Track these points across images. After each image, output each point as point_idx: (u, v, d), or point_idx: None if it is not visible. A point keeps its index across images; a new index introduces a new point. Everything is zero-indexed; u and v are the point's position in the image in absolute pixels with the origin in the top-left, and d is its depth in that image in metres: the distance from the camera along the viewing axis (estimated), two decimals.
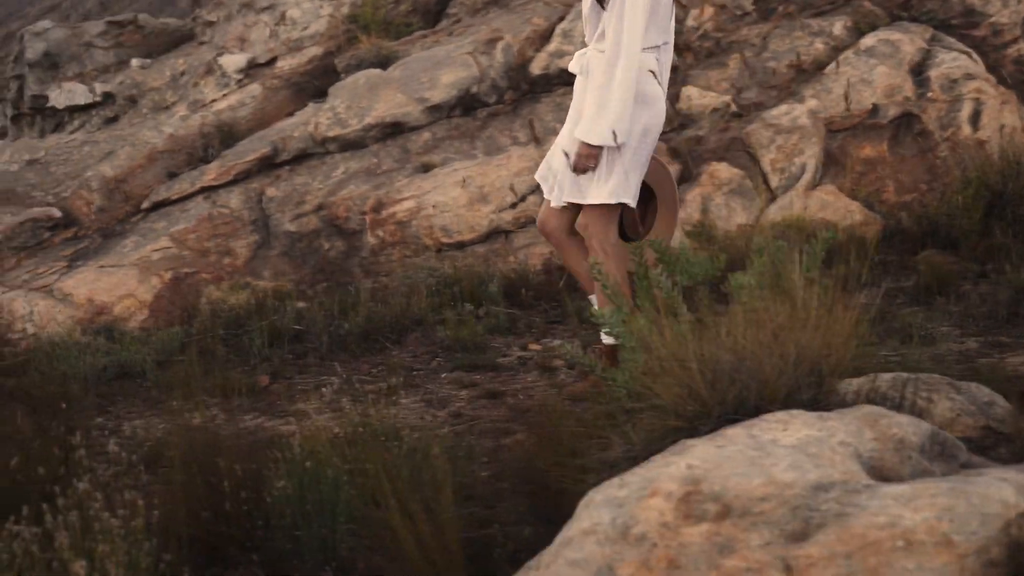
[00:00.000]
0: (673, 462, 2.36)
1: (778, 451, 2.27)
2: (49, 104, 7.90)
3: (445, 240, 6.47)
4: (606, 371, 3.40)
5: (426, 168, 6.75)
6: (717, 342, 2.75)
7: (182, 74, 7.72)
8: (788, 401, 2.59)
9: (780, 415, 2.43)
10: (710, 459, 2.29)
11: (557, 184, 4.22)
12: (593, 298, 4.26)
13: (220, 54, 7.71)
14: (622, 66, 3.95)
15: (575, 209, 4.21)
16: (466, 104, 7.12)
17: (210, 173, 7.03)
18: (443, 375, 4.96)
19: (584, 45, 4.28)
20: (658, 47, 4.10)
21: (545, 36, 7.28)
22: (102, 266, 6.47)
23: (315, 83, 7.80)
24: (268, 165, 7.10)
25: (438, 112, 7.07)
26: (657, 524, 2.19)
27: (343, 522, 2.89)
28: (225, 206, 6.84)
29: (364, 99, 7.06)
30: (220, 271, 6.62)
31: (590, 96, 4.06)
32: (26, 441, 3.08)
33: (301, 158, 7.12)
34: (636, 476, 2.36)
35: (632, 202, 4.10)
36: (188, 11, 11.75)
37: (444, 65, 7.12)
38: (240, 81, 7.62)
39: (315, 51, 7.91)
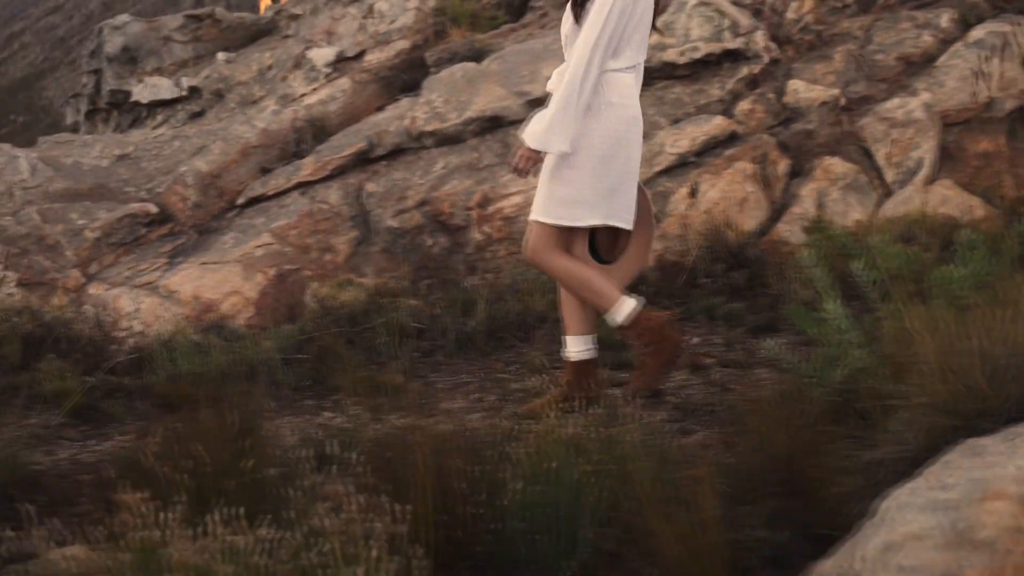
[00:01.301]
0: (997, 463, 2.23)
1: None
2: (132, 99, 7.77)
3: None
4: (817, 370, 3.27)
5: None
6: (990, 336, 2.62)
7: (269, 68, 7.60)
8: None
9: None
10: None
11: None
12: (570, 339, 4.11)
13: (308, 48, 7.59)
14: (569, 74, 3.86)
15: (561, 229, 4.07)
16: None
17: (306, 168, 6.90)
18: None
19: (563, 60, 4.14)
20: (634, 67, 4.04)
21: None
22: (204, 263, 6.35)
23: (403, 77, 7.68)
24: (363, 160, 6.98)
25: (536, 106, 6.93)
26: (1008, 528, 2.06)
27: (586, 525, 2.76)
28: (324, 202, 6.71)
29: (463, 93, 6.93)
30: (322, 268, 6.50)
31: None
32: (230, 440, 2.94)
33: (396, 153, 7.00)
34: (958, 478, 2.23)
35: (628, 225, 3.99)
36: (192, 9, 11.58)
37: (543, 59, 6.99)
38: (329, 75, 7.50)
39: (402, 44, 7.78)
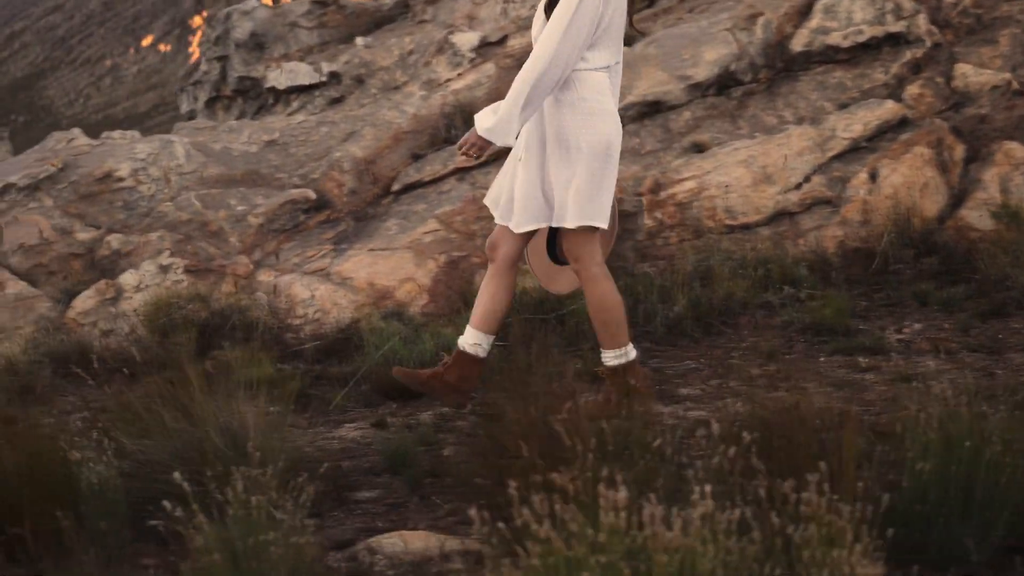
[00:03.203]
0: None
1: None
2: (267, 85, 7.64)
3: (729, 222, 6.20)
4: None
5: (697, 148, 6.49)
6: None
7: (410, 53, 7.46)
8: None
9: None
10: None
11: (524, 208, 4.07)
12: (474, 331, 4.17)
13: (451, 32, 7.45)
14: (524, 68, 3.86)
15: (528, 237, 4.14)
16: (721, 82, 6.85)
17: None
18: (820, 358, 4.69)
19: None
20: (609, 67, 4.02)
21: (802, 12, 7.01)
22: (372, 249, 6.22)
23: None
24: None
25: (696, 91, 6.81)
26: None
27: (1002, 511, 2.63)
28: (485, 188, 6.57)
29: (623, 77, 6.77)
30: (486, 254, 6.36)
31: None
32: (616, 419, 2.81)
33: None
34: None
35: (604, 224, 4.00)
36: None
37: (704, 42, 6.85)
38: (473, 60, 7.36)
39: None
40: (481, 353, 4.19)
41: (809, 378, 4.14)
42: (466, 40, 7.37)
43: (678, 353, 5.00)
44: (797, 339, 4.97)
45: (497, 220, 4.24)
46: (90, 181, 6.55)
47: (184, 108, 8.74)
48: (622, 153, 6.62)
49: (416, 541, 3.09)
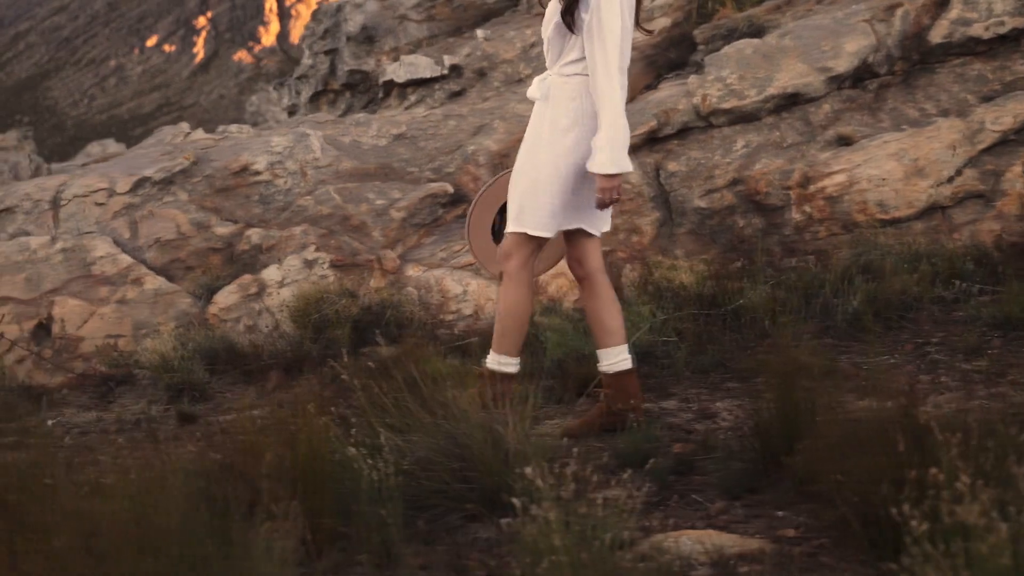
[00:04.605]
0: None
1: None
2: (385, 78, 7.55)
3: (880, 216, 6.10)
4: None
5: (842, 141, 6.38)
6: None
7: (532, 45, 7.36)
8: None
9: None
10: None
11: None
12: (609, 350, 4.07)
13: None
14: (606, 99, 3.73)
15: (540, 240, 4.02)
16: (857, 75, 6.75)
17: None
18: None
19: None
20: (622, 70, 3.90)
21: (940, 2, 6.90)
22: None
23: (667, 55, 7.44)
24: (652, 139, 6.74)
25: (834, 83, 6.70)
26: None
27: None
28: (625, 182, 6.48)
29: (759, 69, 6.69)
30: (630, 249, 6.28)
31: (562, 120, 3.83)
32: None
33: (684, 131, 6.76)
34: None
35: (541, 232, 3.92)
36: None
37: (843, 34, 6.75)
38: None
39: (664, 22, 7.55)
40: (627, 366, 4.08)
41: None
42: None
43: (864, 348, 4.89)
44: (990, 334, 4.86)
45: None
46: (226, 175, 6.47)
47: (285, 102, 8.65)
48: (763, 147, 6.55)
49: (710, 540, 3.00)
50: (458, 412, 3.41)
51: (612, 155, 3.73)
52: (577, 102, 3.82)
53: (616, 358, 4.05)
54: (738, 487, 3.36)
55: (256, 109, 36.26)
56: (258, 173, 6.45)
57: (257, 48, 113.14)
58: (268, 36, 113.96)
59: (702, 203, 6.35)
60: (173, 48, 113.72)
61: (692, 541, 3.00)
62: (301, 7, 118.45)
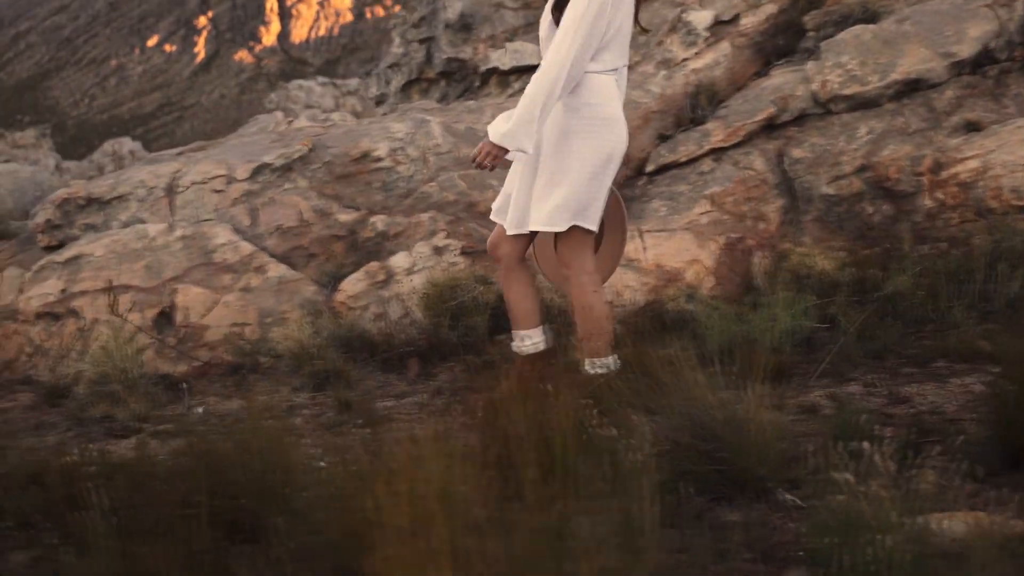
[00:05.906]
0: None
1: None
2: (489, 65, 7.46)
3: (1016, 203, 6.02)
4: None
5: (971, 127, 6.31)
6: None
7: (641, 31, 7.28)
8: None
9: None
10: None
11: (515, 210, 3.99)
12: (522, 333, 4.10)
13: (683, 11, 7.27)
14: (539, 72, 3.74)
15: (530, 236, 4.05)
16: (977, 60, 6.67)
17: (716, 134, 6.60)
18: None
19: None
20: (616, 70, 3.91)
21: None
22: (648, 231, 6.05)
23: (775, 41, 7.37)
24: (770, 126, 6.67)
25: (956, 68, 6.63)
26: None
27: None
28: (749, 168, 6.41)
29: (881, 55, 6.62)
30: (758, 236, 6.20)
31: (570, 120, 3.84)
32: None
33: (801, 118, 6.69)
34: None
35: (594, 227, 3.89)
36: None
37: (965, 18, 6.68)
38: (707, 39, 7.19)
39: (771, 8, 7.47)
40: (544, 346, 4.10)
41: None
42: (700, 19, 7.20)
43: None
44: None
45: (492, 217, 4.15)
46: (346, 162, 6.38)
47: (374, 91, 8.56)
48: (887, 133, 6.47)
49: (978, 523, 2.91)
50: (698, 394, 3.33)
51: (511, 128, 3.72)
52: (579, 97, 3.81)
53: (532, 340, 4.08)
54: (984, 470, 3.29)
55: (275, 106, 36.06)
56: (379, 159, 6.36)
57: (258, 48, 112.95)
58: (269, 36, 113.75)
59: (829, 190, 6.28)
60: (174, 48, 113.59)
61: (960, 522, 2.92)
62: (302, 7, 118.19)
